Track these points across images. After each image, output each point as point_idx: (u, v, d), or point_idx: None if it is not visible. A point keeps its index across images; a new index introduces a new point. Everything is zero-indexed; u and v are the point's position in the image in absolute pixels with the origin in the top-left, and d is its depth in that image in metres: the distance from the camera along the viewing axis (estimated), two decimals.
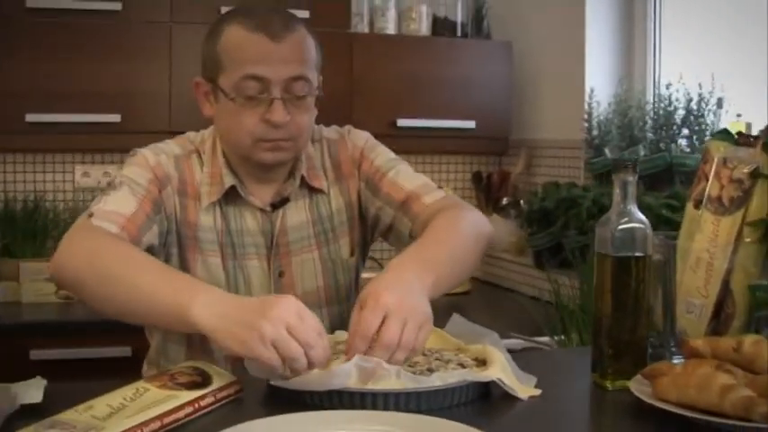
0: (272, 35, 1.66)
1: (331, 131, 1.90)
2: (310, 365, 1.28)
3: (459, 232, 1.63)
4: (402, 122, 3.54)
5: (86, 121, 3.23)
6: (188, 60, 3.30)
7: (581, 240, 2.98)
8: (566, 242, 3.12)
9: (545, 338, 2.28)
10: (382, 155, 1.87)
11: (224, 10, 3.29)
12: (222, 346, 1.32)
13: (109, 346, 2.96)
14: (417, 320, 1.35)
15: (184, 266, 1.75)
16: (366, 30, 3.72)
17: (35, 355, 2.90)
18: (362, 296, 1.39)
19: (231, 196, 1.77)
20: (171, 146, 1.80)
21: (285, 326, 1.27)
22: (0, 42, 3.13)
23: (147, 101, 3.31)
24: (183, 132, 3.05)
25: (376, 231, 1.89)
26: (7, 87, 3.14)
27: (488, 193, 3.88)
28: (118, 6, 3.23)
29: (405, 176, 1.83)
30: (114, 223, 1.61)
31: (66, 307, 3.22)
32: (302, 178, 1.81)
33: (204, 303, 1.34)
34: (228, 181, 1.76)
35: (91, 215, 1.61)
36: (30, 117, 3.15)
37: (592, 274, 1.48)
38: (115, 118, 3.25)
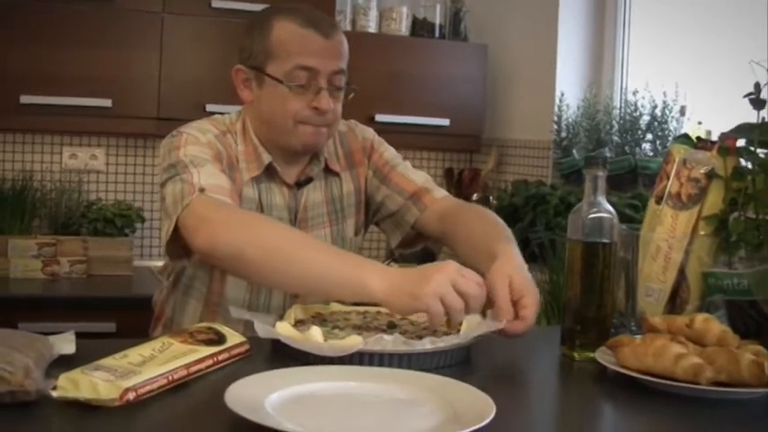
0: (324, 33, 1.86)
1: (340, 124, 2.06)
2: (467, 311, 1.49)
3: (503, 223, 1.89)
4: (380, 117, 3.69)
5: (78, 105, 3.35)
6: (178, 50, 3.46)
7: (548, 235, 3.15)
8: (532, 237, 3.29)
9: None
10: (389, 150, 2.10)
11: (215, 4, 3.45)
12: (395, 308, 1.52)
13: (93, 322, 3.06)
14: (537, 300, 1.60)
15: None
16: (348, 28, 3.86)
17: (23, 327, 2.98)
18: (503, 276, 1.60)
19: (266, 173, 1.93)
20: (207, 126, 1.92)
21: (451, 282, 1.47)
22: None
23: (137, 87, 3.44)
24: (171, 119, 3.21)
25: (376, 216, 2.09)
26: (3, 69, 3.26)
27: (459, 189, 4.03)
28: None
29: (412, 172, 2.06)
30: (225, 196, 1.73)
31: (51, 283, 3.36)
32: (325, 162, 1.99)
33: (377, 274, 1.52)
34: (266, 159, 1.92)
35: (202, 189, 1.71)
36: (24, 99, 3.27)
37: (561, 266, 1.65)
38: (106, 102, 3.38)
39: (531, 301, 1.57)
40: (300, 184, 1.98)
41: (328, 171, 2.02)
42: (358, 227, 2.07)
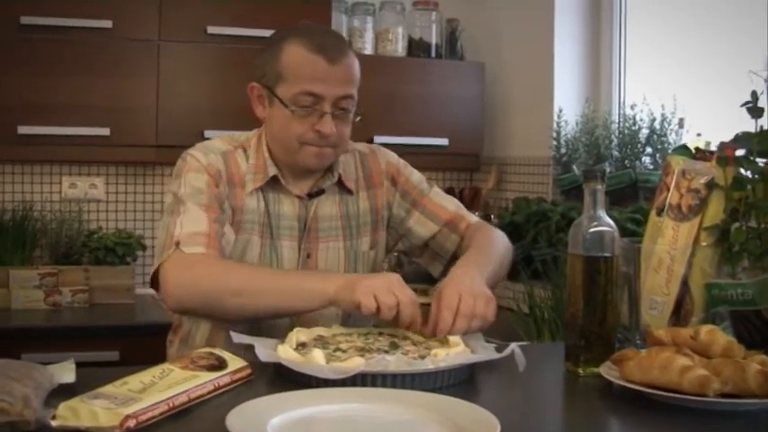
0: (330, 58, 1.88)
1: (361, 146, 2.12)
2: (396, 320, 1.64)
3: (497, 244, 2.00)
4: (378, 139, 3.66)
5: (76, 134, 3.34)
6: (174, 77, 3.45)
7: (550, 252, 3.13)
8: (535, 254, 3.28)
9: (521, 343, 2.43)
10: (415, 173, 2.14)
11: (211, 30, 3.45)
12: (341, 303, 1.70)
13: (97, 351, 3.05)
14: (484, 298, 1.70)
15: None
16: None
17: (26, 358, 2.96)
18: (439, 289, 1.72)
19: (273, 184, 1.97)
20: (218, 144, 2.00)
21: (387, 286, 1.64)
22: None
23: (134, 115, 3.42)
24: (169, 146, 3.22)
25: (402, 241, 2.13)
26: (0, 100, 3.25)
27: None
28: (108, 24, 3.35)
29: (443, 197, 2.12)
30: (200, 245, 1.82)
31: (53, 313, 3.33)
32: (339, 177, 2.02)
33: (335, 283, 1.69)
34: (271, 171, 1.96)
35: (177, 243, 1.81)
36: (22, 129, 3.26)
37: (564, 282, 1.65)
38: (104, 131, 3.36)
39: (464, 305, 1.66)
40: (312, 195, 2.01)
41: (343, 188, 2.04)
42: (373, 243, 2.09)
